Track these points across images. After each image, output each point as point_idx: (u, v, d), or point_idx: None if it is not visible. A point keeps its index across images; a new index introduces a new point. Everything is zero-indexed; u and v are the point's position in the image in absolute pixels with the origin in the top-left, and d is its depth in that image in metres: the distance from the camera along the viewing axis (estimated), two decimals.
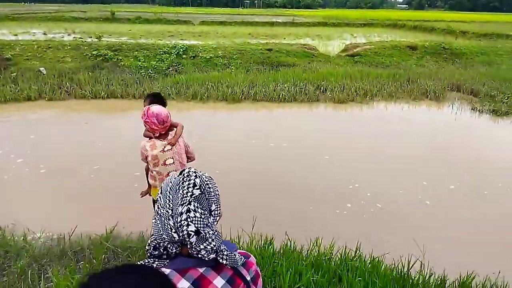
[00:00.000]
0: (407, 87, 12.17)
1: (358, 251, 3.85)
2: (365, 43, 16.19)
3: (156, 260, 1.18)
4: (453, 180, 6.36)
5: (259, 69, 13.30)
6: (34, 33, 21.03)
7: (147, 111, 3.06)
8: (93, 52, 12.91)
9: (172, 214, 1.14)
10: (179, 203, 1.13)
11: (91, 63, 12.53)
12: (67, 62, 12.51)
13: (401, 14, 44.96)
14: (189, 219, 1.11)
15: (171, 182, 1.20)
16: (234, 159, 6.88)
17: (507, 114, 10.26)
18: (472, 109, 10.68)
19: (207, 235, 1.14)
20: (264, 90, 11.23)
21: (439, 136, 8.51)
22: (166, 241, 1.16)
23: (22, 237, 4.15)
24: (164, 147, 3.34)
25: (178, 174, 1.21)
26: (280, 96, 11.01)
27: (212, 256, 1.15)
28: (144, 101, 3.75)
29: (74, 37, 16.24)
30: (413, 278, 3.52)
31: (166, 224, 1.14)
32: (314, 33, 26.14)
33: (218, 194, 1.23)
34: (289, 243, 4.02)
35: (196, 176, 1.19)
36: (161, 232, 1.16)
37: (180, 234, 1.12)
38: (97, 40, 14.60)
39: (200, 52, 13.72)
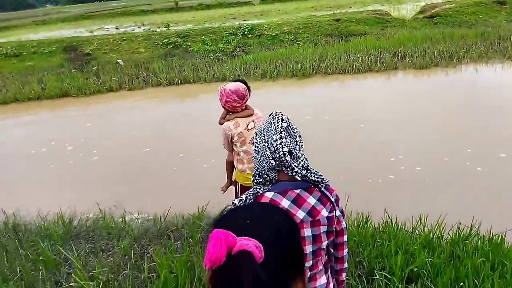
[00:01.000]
0: (499, 46, 10.74)
1: (473, 228, 3.39)
2: (444, 2, 14.57)
3: (262, 186, 1.46)
4: None
5: (328, 41, 12.67)
6: (107, 28, 22.33)
7: (224, 91, 2.97)
8: (164, 41, 13.29)
9: (269, 146, 1.43)
10: (273, 133, 1.43)
11: (163, 51, 12.92)
12: (141, 53, 13.04)
13: None
14: (282, 143, 1.40)
15: (262, 125, 1.54)
16: (309, 137, 6.59)
17: None
18: None
19: (298, 155, 1.43)
20: (335, 62, 10.66)
21: None
22: (266, 168, 1.44)
23: (121, 219, 4.34)
24: (247, 124, 3.16)
25: (268, 117, 1.52)
26: (354, 67, 10.37)
27: (304, 172, 1.43)
28: None
29: (144, 29, 16.88)
30: None
31: (264, 155, 1.44)
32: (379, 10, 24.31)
33: (298, 130, 1.52)
34: (389, 220, 3.69)
35: (281, 115, 1.50)
36: (261, 163, 1.46)
37: (277, 157, 1.40)
38: (165, 29, 15.04)
39: (265, 30, 13.44)
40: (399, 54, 10.84)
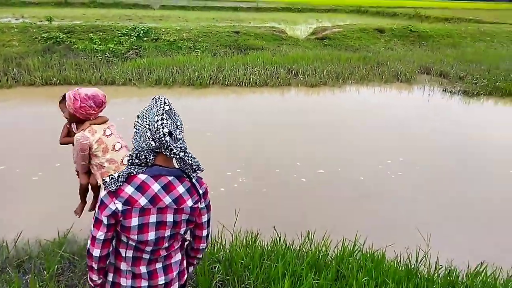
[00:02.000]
0: (378, 70, 11.96)
1: (356, 244, 3.40)
2: (334, 26, 15.87)
3: (136, 167, 1.48)
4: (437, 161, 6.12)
5: (227, 52, 12.60)
6: None
7: (78, 95, 2.66)
8: (43, 35, 11.64)
9: (150, 127, 1.46)
10: (155, 115, 1.46)
11: (41, 47, 11.29)
12: (13, 46, 11.20)
13: (363, 1, 45.25)
14: (163, 124, 1.44)
15: (145, 108, 1.54)
16: (202, 149, 6.26)
17: (478, 95, 10.29)
18: (443, 90, 10.63)
19: (178, 137, 1.48)
20: (233, 74, 10.58)
21: (413, 121, 8.28)
22: (145, 149, 1.48)
23: None
24: (105, 131, 2.87)
25: (151, 100, 1.54)
26: (251, 80, 10.42)
27: (181, 154, 1.49)
28: (60, 102, 3.01)
29: (22, 21, 14.65)
30: (420, 271, 3.13)
31: (145, 136, 1.48)
32: (279, 18, 25.55)
33: (180, 116, 1.55)
34: (278, 239, 3.52)
35: (164, 98, 1.52)
36: (141, 144, 1.49)
37: (157, 137, 1.44)
38: (47, 22, 13.22)
39: (162, 34, 12.78)
40: (293, 71, 11.28)
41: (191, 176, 1.56)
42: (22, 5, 29.04)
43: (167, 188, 1.51)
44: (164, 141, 1.44)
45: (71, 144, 3.01)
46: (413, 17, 25.96)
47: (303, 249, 3.43)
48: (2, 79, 9.43)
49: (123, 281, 1.61)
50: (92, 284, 1.66)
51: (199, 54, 12.14)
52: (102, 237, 1.49)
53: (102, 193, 1.51)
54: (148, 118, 1.49)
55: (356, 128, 7.61)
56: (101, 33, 12.30)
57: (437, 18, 24.40)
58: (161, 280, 1.62)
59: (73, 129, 3.03)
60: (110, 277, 1.64)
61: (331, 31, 14.84)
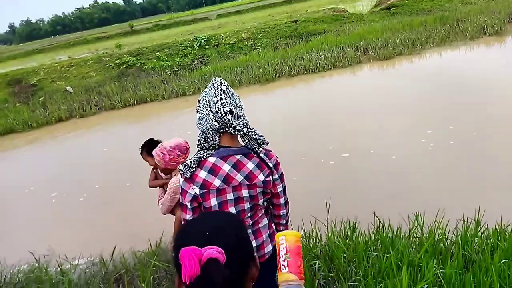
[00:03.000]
0: (459, 27, 10.60)
1: (478, 223, 2.79)
2: None
3: (205, 151, 1.55)
4: None
5: (288, 43, 12.24)
6: (59, 58, 21.23)
7: (164, 150, 2.76)
8: (116, 61, 12.47)
9: (211, 109, 1.51)
10: (214, 96, 1.51)
11: (116, 73, 12.09)
12: (91, 77, 12.16)
13: None
14: (223, 103, 1.48)
15: (203, 92, 1.61)
16: (278, 142, 5.97)
17: None
18: None
19: (239, 113, 1.52)
20: (298, 63, 10.18)
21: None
22: (210, 131, 1.53)
23: (58, 267, 3.50)
24: None
25: (208, 84, 1.61)
26: (318, 65, 9.92)
27: (245, 130, 1.52)
28: (141, 153, 3.22)
29: (96, 53, 15.94)
30: None
31: (207, 118, 1.53)
32: (335, 7, 24.47)
33: (238, 95, 1.61)
34: (380, 226, 3.06)
35: (220, 79, 1.58)
36: (206, 126, 1.54)
37: (219, 117, 1.48)
38: (117, 49, 14.17)
39: (222, 39, 12.88)
40: (361, 48, 10.51)
41: (259, 151, 1.58)
42: (96, 41, 31.87)
43: (237, 166, 1.54)
44: (227, 120, 1.47)
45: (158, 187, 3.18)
46: None
47: (414, 234, 2.92)
48: (86, 108, 10.23)
49: None
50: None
51: (260, 51, 11.96)
52: (188, 218, 1.60)
53: (180, 180, 1.59)
54: (208, 100, 1.52)
55: (438, 95, 6.69)
56: (167, 50, 12.79)
57: None
58: (253, 243, 1.67)
59: (159, 174, 3.13)
60: None
61: None
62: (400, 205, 3.61)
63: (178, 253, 0.78)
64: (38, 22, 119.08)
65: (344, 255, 2.68)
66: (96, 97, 10.75)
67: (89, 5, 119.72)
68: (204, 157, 1.54)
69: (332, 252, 2.77)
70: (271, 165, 1.60)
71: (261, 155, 1.58)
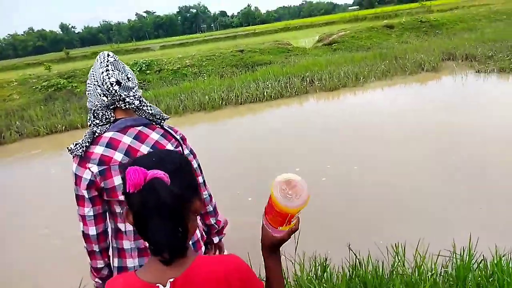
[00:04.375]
0: (398, 63, 11.10)
1: (471, 255, 2.40)
2: (339, 30, 15.18)
3: (99, 126, 1.36)
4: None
5: (234, 72, 11.96)
6: None
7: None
8: (43, 84, 11.23)
9: (98, 83, 1.34)
10: (99, 68, 1.35)
11: (42, 96, 10.84)
12: (14, 100, 10.78)
13: (356, 14, 44.85)
14: (109, 74, 1.33)
15: (92, 68, 1.41)
16: (227, 173, 5.39)
17: None
18: (476, 71, 9.65)
19: (129, 85, 1.36)
20: (245, 91, 9.85)
21: (452, 108, 7.31)
22: (99, 107, 1.35)
23: None
24: None
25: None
26: (265, 94, 9.67)
27: (136, 102, 1.37)
28: None
29: (22, 75, 14.39)
30: None
31: (95, 94, 1.35)
32: (280, 37, 25.23)
33: (131, 70, 1.43)
34: (355, 261, 2.56)
35: (108, 52, 1.39)
36: (95, 102, 1.36)
37: (105, 89, 1.32)
38: (46, 71, 12.89)
39: (165, 65, 12.27)
40: (307, 79, 10.50)
41: (161, 123, 1.46)
42: (25, 67, 29.50)
43: (139, 137, 1.38)
44: (113, 91, 1.33)
45: None
46: (416, 14, 25.24)
47: (397, 271, 2.45)
48: (5, 134, 8.88)
49: (130, 262, 1.41)
50: (96, 279, 1.46)
51: (205, 78, 11.52)
52: (91, 213, 1.36)
53: (73, 166, 1.34)
54: (95, 75, 1.36)
55: (388, 127, 6.66)
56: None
57: (443, 9, 23.58)
58: None
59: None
60: (115, 262, 1.45)
61: (338, 35, 14.16)
62: (375, 236, 3.16)
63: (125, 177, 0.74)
64: None
65: None
66: (17, 122, 9.42)
67: (24, 32, 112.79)
68: (98, 131, 1.35)
69: None
70: (178, 137, 1.47)
71: (165, 126, 1.46)
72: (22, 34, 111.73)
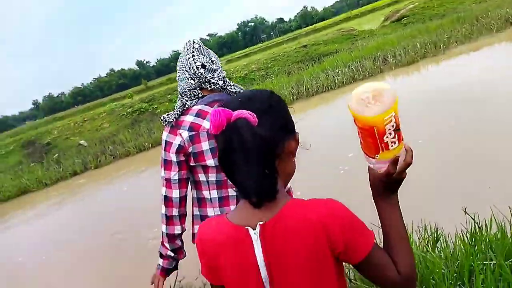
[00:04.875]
0: (481, 23, 9.91)
1: None
2: (407, 4, 14.14)
3: (188, 100, 1.42)
4: None
5: (301, 67, 11.78)
6: None
7: None
8: (128, 110, 12.23)
9: (186, 68, 1.42)
10: (186, 54, 1.44)
11: (129, 121, 11.79)
12: (105, 128, 11.88)
13: None
14: (195, 59, 1.41)
15: (180, 56, 1.52)
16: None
17: None
18: None
19: (213, 67, 1.43)
20: (315, 82, 9.59)
21: None
22: (187, 89, 1.42)
23: None
24: None
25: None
26: (336, 81, 9.31)
27: (220, 83, 1.42)
28: None
29: (108, 105, 15.94)
30: None
31: (184, 78, 1.43)
32: (343, 27, 24.49)
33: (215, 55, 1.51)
34: (474, 225, 2.18)
35: (194, 39, 1.48)
36: (184, 86, 1.43)
37: (192, 73, 1.39)
38: (129, 99, 14.05)
39: (232, 73, 12.58)
40: (379, 59, 9.88)
41: None
42: (112, 101, 32.60)
43: None
44: (199, 74, 1.39)
45: None
46: None
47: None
48: (101, 158, 9.79)
49: None
50: (168, 252, 1.47)
51: (273, 78, 11.51)
52: (176, 177, 1.38)
53: (164, 134, 1.39)
54: (182, 61, 1.45)
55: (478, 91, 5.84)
56: (177, 91, 12.54)
57: None
58: None
59: None
60: (196, 229, 1.46)
61: (406, 9, 13.18)
62: (491, 197, 2.71)
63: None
64: (60, 95, 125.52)
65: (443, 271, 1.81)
66: (110, 147, 10.35)
67: (106, 74, 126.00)
68: (188, 104, 1.41)
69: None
70: None
71: None
72: (105, 76, 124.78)
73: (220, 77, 1.44)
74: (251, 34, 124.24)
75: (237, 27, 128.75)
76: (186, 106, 1.40)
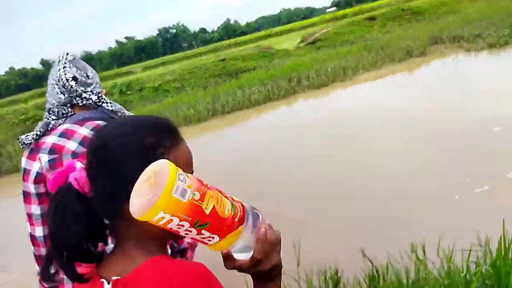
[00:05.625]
0: (386, 52, 10.79)
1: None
2: (321, 28, 14.95)
3: (54, 119, 1.27)
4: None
5: (218, 82, 11.57)
6: None
7: None
8: (21, 117, 10.76)
9: (56, 82, 1.28)
10: (57, 65, 1.29)
11: (20, 130, 10.33)
12: None
13: (336, 14, 44.58)
14: (66, 70, 1.27)
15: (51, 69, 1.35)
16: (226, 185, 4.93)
17: (506, 44, 8.99)
18: (467, 51, 9.35)
19: (88, 82, 1.30)
20: (231, 99, 9.45)
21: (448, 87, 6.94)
22: (56, 105, 1.27)
23: None
24: None
25: None
26: (252, 100, 9.26)
27: (94, 98, 1.28)
28: None
29: None
30: None
31: (53, 92, 1.29)
32: (261, 44, 25.12)
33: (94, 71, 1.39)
34: (371, 269, 2.11)
35: (67, 52, 1.34)
36: (52, 101, 1.29)
37: (61, 85, 1.25)
38: (23, 104, 12.43)
39: (145, 83, 11.88)
40: (294, 79, 10.14)
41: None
42: (8, 104, 28.93)
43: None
44: (69, 87, 1.25)
45: None
46: (397, 3, 25.02)
47: (423, 276, 2.00)
48: None
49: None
50: (44, 286, 1.26)
51: (189, 91, 11.12)
52: (38, 211, 1.22)
53: (22, 160, 1.23)
54: (53, 74, 1.30)
55: (379, 122, 6.24)
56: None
57: None
58: None
59: None
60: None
61: (320, 33, 13.91)
62: (390, 237, 2.71)
63: None
64: None
65: None
66: None
67: (5, 72, 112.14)
68: (53, 123, 1.25)
69: None
70: None
71: None
72: (3, 75, 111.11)
73: (94, 92, 1.31)
74: (172, 41, 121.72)
75: (158, 32, 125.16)
76: (50, 126, 1.26)
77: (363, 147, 4.83)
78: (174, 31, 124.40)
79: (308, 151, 5.27)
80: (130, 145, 0.63)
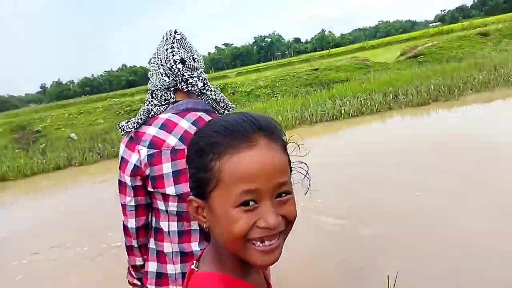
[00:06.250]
0: (500, 73, 9.57)
1: None
2: (425, 42, 13.89)
3: (157, 106, 1.22)
4: None
5: (309, 91, 11.42)
6: None
7: None
8: (126, 109, 11.87)
9: (161, 62, 1.21)
10: (164, 45, 1.22)
11: (124, 120, 11.41)
12: (99, 124, 11.49)
13: (441, 28, 41.13)
14: (173, 51, 1.20)
15: (157, 47, 1.28)
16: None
17: None
18: None
19: (194, 65, 1.21)
20: (320, 109, 9.22)
21: None
22: (159, 87, 1.21)
23: None
24: None
25: None
26: (342, 112, 8.92)
27: (200, 84, 1.21)
28: None
29: (108, 101, 15.60)
30: None
31: (157, 73, 1.21)
32: (357, 56, 24.31)
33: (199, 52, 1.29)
34: None
35: (175, 29, 1.25)
36: (155, 83, 1.22)
37: (167, 67, 1.19)
38: (130, 98, 13.71)
39: (239, 87, 12.24)
40: (390, 94, 9.53)
41: (220, 111, 1.28)
42: (119, 97, 32.35)
43: (199, 124, 1.17)
44: (176, 70, 1.18)
45: None
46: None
47: None
48: (87, 156, 9.37)
49: (171, 269, 1.23)
50: (135, 281, 1.30)
51: (279, 98, 11.16)
52: (132, 203, 1.19)
53: (121, 147, 1.18)
54: (159, 54, 1.22)
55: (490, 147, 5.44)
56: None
57: None
58: None
59: None
60: (153, 267, 1.26)
61: (423, 47, 12.91)
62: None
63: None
64: (68, 83, 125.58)
65: None
66: (99, 144, 9.93)
67: (118, 68, 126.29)
68: (154, 111, 1.19)
69: None
70: None
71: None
72: (116, 71, 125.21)
73: (201, 78, 1.23)
74: (266, 50, 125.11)
75: (254, 40, 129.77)
76: (152, 113, 1.20)
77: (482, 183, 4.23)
78: (269, 40, 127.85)
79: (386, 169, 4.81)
80: (191, 146, 0.62)
